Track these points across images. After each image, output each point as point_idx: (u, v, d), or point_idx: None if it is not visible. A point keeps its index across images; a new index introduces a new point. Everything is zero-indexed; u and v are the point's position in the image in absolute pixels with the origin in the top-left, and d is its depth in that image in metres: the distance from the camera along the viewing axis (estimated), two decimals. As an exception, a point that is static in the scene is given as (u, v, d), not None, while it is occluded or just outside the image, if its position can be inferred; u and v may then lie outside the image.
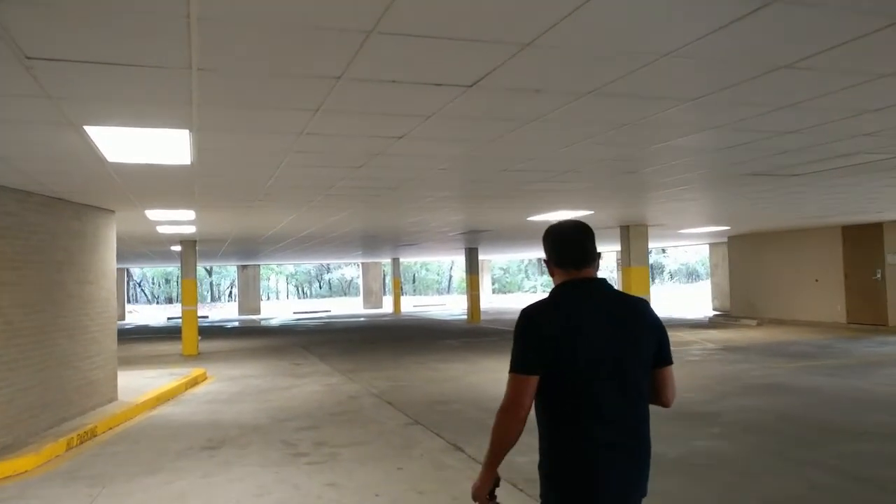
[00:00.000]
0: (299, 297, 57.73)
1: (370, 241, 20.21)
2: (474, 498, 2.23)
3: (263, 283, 54.89)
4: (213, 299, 53.54)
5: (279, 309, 41.36)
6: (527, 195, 8.82)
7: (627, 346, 2.16)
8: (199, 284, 61.86)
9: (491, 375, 11.15)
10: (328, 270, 56.46)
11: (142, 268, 48.51)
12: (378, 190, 8.02)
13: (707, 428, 7.23)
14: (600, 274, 2.33)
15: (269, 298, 55.91)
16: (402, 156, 5.79)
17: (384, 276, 41.58)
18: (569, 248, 2.28)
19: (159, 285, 56.49)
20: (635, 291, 15.43)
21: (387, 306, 36.72)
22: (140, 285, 55.23)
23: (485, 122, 4.67)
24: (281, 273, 56.36)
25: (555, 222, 2.37)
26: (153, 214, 9.84)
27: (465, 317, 24.62)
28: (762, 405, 8.30)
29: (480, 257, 33.01)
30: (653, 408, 2.28)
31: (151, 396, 9.37)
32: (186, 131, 4.58)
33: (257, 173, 6.47)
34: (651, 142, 5.49)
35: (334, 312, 35.36)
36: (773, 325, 19.00)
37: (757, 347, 14.18)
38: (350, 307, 39.76)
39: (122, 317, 34.45)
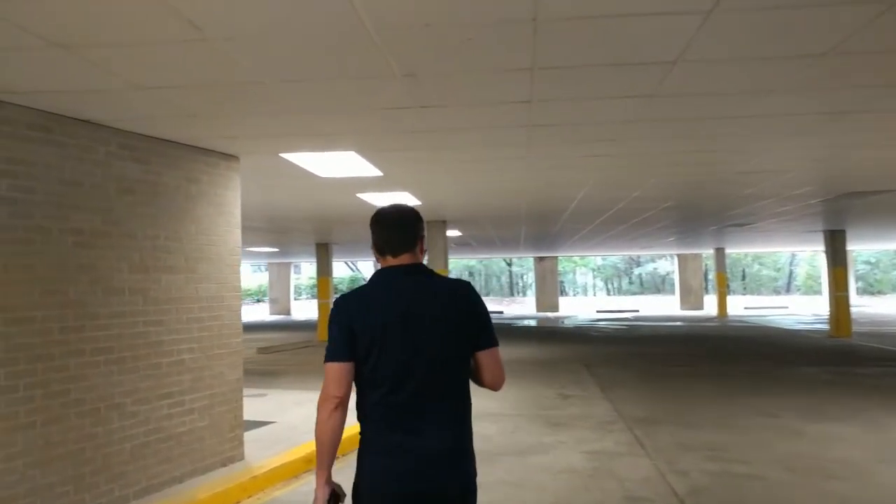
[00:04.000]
0: (607, 294, 52.96)
1: (686, 222, 14.74)
2: None
3: (568, 277, 51.42)
4: (512, 294, 51.43)
5: (581, 306, 37.32)
6: None
7: (440, 330, 2.14)
8: (497, 277, 59.71)
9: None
10: (638, 264, 50.48)
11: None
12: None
13: None
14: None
15: (574, 294, 52.21)
16: None
17: (706, 270, 34.73)
18: (385, 235, 2.24)
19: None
20: None
21: (709, 307, 30.14)
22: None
23: None
24: (586, 266, 52.06)
25: (380, 206, 2.29)
26: (299, 160, 6.18)
27: (826, 327, 17.52)
28: None
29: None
30: None
31: (298, 457, 5.74)
32: None
33: None
34: None
35: (642, 313, 30.06)
36: None
37: None
38: (663, 307, 34.03)
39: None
